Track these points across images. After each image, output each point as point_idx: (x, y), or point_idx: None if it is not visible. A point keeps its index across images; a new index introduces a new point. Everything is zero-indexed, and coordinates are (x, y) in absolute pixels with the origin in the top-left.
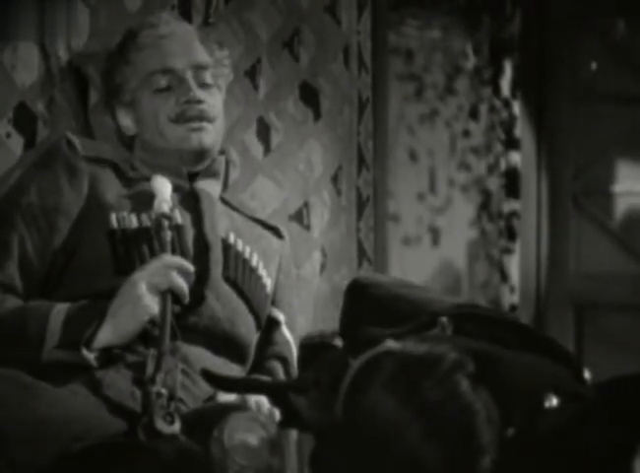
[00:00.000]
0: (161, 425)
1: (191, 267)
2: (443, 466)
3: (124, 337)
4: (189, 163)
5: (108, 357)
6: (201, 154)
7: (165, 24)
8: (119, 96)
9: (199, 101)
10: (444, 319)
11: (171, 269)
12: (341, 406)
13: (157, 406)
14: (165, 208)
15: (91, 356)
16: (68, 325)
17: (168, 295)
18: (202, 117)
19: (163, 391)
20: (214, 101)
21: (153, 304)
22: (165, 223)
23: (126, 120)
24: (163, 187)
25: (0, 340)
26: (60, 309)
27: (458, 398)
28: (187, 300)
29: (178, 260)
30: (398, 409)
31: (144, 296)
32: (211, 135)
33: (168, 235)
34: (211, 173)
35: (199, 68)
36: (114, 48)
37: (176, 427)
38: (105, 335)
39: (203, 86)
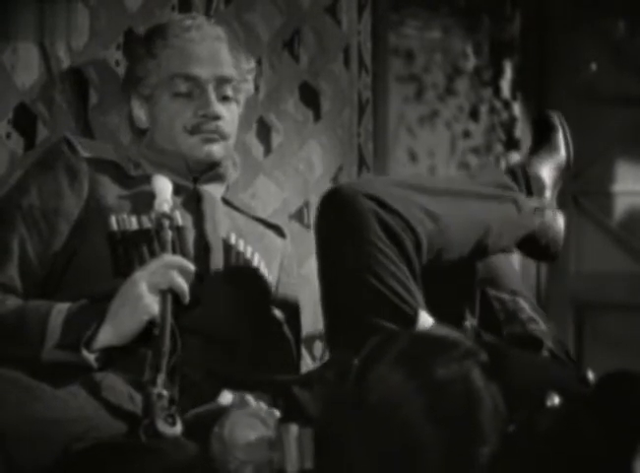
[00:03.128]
0: (163, 426)
1: (192, 267)
2: (439, 448)
3: (124, 337)
4: (194, 170)
5: (108, 358)
6: (207, 164)
7: (197, 28)
8: (138, 87)
9: (216, 118)
10: (469, 323)
11: (172, 268)
12: (353, 377)
13: (158, 408)
14: (166, 208)
15: (91, 357)
16: (68, 325)
17: (169, 294)
18: (217, 132)
19: (164, 393)
20: (231, 117)
21: (153, 304)
22: (166, 223)
23: (140, 112)
24: (164, 187)
25: (0, 339)
26: (60, 309)
27: (467, 382)
28: (187, 299)
29: (179, 260)
30: (402, 381)
31: (144, 295)
32: (222, 150)
33: (169, 234)
34: (215, 176)
35: (222, 80)
36: (143, 35)
37: (178, 428)
38: (105, 335)
39: (223, 99)
